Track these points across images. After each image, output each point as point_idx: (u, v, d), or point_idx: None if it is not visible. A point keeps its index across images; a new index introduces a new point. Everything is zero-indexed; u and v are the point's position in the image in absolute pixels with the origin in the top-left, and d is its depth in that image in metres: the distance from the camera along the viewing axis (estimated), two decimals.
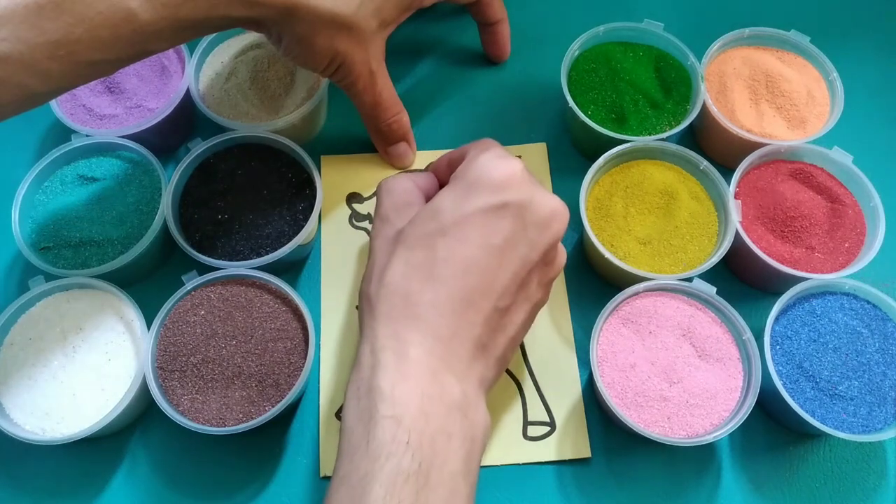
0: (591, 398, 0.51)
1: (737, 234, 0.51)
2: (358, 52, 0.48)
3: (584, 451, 0.49)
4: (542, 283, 0.42)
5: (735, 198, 0.52)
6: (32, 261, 0.50)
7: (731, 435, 0.49)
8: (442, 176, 0.46)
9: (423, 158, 0.59)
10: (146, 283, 0.54)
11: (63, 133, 0.56)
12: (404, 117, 0.55)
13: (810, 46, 0.58)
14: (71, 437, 0.45)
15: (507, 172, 0.40)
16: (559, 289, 0.54)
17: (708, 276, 0.50)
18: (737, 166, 0.53)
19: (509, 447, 0.49)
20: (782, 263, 0.50)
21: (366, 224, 0.57)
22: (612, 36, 0.60)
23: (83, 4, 0.38)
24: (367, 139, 0.57)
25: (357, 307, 0.53)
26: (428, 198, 0.45)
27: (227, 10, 0.42)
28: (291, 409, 0.50)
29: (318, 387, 0.51)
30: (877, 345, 0.48)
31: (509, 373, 0.51)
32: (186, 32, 0.42)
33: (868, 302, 0.50)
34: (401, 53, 0.64)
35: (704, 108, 0.56)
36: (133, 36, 0.40)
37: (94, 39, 0.39)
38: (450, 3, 0.57)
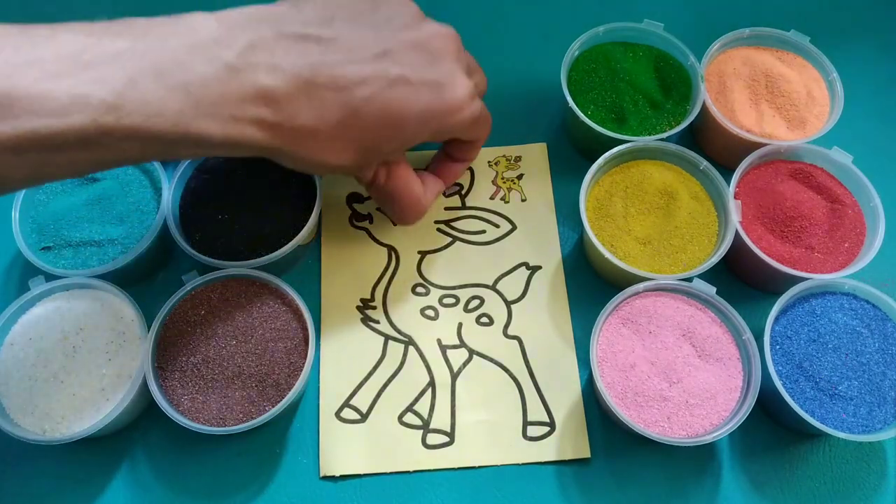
0: (591, 398, 0.51)
1: (737, 234, 0.51)
2: (365, 174, 0.46)
3: (584, 452, 0.49)
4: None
5: (735, 198, 0.53)
6: (32, 261, 0.50)
7: (731, 435, 0.49)
8: None
9: (424, 158, 0.59)
10: (146, 283, 0.54)
11: None
12: (426, 202, 0.51)
13: (810, 46, 0.58)
14: (71, 437, 0.45)
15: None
16: (559, 289, 0.54)
17: (708, 276, 0.50)
18: (737, 166, 0.53)
19: (509, 447, 0.49)
20: (782, 263, 0.50)
21: (366, 224, 0.57)
22: (612, 36, 0.60)
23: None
24: None
25: (357, 307, 0.54)
26: None
27: (192, 151, 0.39)
28: (291, 409, 0.50)
29: (318, 387, 0.51)
30: (877, 345, 0.48)
31: (509, 373, 0.52)
32: (152, 157, 0.39)
33: (868, 302, 0.50)
34: None
35: (704, 108, 0.56)
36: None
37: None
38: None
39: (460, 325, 0.53)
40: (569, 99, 0.56)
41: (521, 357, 0.52)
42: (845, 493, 0.48)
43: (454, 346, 0.52)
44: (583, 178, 0.53)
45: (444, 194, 0.58)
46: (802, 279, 0.50)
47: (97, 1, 0.67)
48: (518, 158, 0.60)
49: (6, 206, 0.52)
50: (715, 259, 0.50)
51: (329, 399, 0.51)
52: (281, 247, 0.51)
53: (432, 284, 0.54)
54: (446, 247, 0.56)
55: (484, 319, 0.53)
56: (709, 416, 0.46)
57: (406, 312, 0.53)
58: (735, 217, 0.51)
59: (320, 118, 0.40)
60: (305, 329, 0.49)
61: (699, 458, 0.49)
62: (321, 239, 0.56)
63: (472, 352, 0.52)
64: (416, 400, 0.51)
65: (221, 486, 0.48)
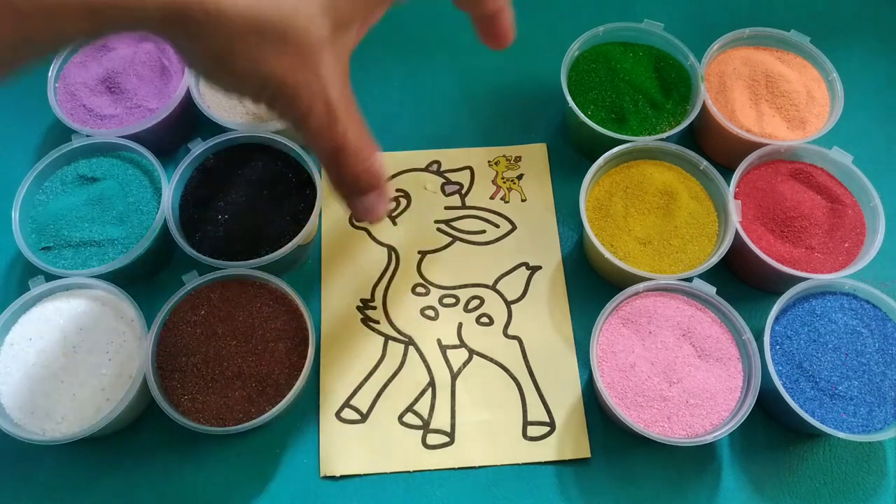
0: (591, 398, 0.51)
1: (737, 234, 0.51)
2: (302, 74, 0.32)
3: (584, 451, 0.49)
4: None
5: (735, 198, 0.52)
6: (32, 261, 0.50)
7: (731, 435, 0.49)
8: None
9: (424, 157, 0.59)
10: (146, 283, 0.54)
11: (63, 133, 0.56)
12: (377, 161, 0.37)
13: (810, 46, 0.58)
14: (71, 437, 0.45)
15: None
16: (559, 289, 0.54)
17: (708, 276, 0.50)
18: (737, 166, 0.53)
19: (509, 447, 0.49)
20: (782, 263, 0.50)
21: (366, 224, 0.57)
22: (612, 36, 0.60)
23: None
24: None
25: (357, 307, 0.54)
26: None
27: (76, 27, 0.29)
28: (291, 409, 0.50)
29: (318, 387, 0.51)
30: (877, 345, 0.48)
31: (509, 373, 0.51)
32: (27, 53, 0.30)
33: (868, 302, 0.50)
34: (399, 51, 0.64)
35: (704, 108, 0.56)
36: None
37: None
38: None
39: (460, 325, 0.53)
40: (569, 99, 0.56)
41: (521, 357, 0.52)
42: (845, 493, 0.48)
43: (454, 346, 0.52)
44: (583, 178, 0.53)
45: (444, 194, 0.58)
46: (802, 279, 0.50)
47: None
48: (518, 158, 0.59)
49: (6, 206, 0.52)
50: (715, 259, 0.50)
51: (329, 399, 0.51)
52: (281, 247, 0.51)
53: (432, 284, 0.54)
54: (446, 247, 0.56)
55: (484, 319, 0.53)
56: (709, 416, 0.46)
57: (406, 312, 0.53)
58: (735, 217, 0.51)
59: None
60: (305, 329, 0.49)
61: (699, 458, 0.49)
62: (321, 239, 0.56)
63: (472, 352, 0.52)
64: (416, 400, 0.51)
65: (221, 486, 0.48)
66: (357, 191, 0.38)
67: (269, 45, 0.31)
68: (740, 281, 0.55)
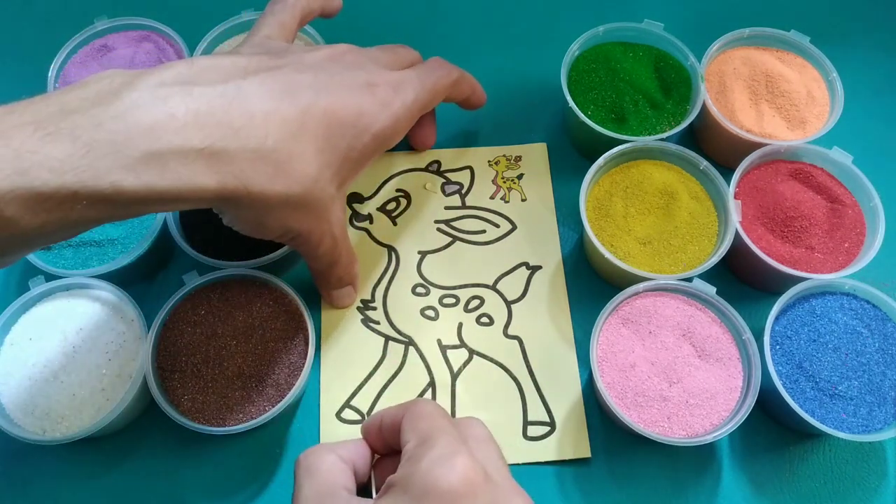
0: (591, 398, 0.51)
1: (737, 234, 0.51)
2: (316, 224, 0.43)
3: (584, 451, 0.49)
4: None
5: (735, 198, 0.53)
6: (32, 261, 0.50)
7: (731, 435, 0.49)
8: (373, 442, 0.38)
9: (423, 157, 0.59)
10: (146, 283, 0.54)
11: None
12: (356, 267, 0.51)
13: (810, 46, 0.58)
14: (71, 437, 0.45)
15: (464, 477, 0.31)
16: (559, 289, 0.54)
17: (708, 276, 0.50)
18: (737, 166, 0.53)
19: (509, 447, 0.49)
20: (782, 263, 0.50)
21: (366, 224, 0.57)
22: (612, 36, 0.60)
23: None
24: None
25: (357, 308, 0.54)
26: (359, 473, 0.37)
27: (138, 208, 0.35)
28: (291, 409, 0.50)
29: (318, 387, 0.51)
30: (877, 345, 0.48)
31: (509, 373, 0.51)
32: (85, 227, 0.35)
33: (868, 302, 0.50)
34: None
35: (704, 108, 0.56)
36: (14, 238, 0.33)
37: None
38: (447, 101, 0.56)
39: (460, 325, 0.53)
40: (569, 99, 0.56)
41: (521, 357, 0.52)
42: (845, 493, 0.48)
43: (454, 347, 0.52)
44: (583, 178, 0.53)
45: (444, 193, 0.58)
46: (802, 279, 0.50)
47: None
48: (518, 158, 0.60)
49: None
50: (715, 259, 0.50)
51: (329, 399, 0.51)
52: (281, 247, 0.51)
53: (432, 284, 0.54)
54: (446, 247, 0.56)
55: (484, 319, 0.53)
56: (709, 416, 0.46)
57: (406, 313, 0.53)
58: (735, 217, 0.51)
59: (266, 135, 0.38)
60: (305, 329, 0.49)
61: (699, 458, 0.49)
62: None
63: (472, 352, 0.52)
64: None
65: (221, 486, 0.48)
66: (339, 286, 0.51)
67: (294, 209, 0.41)
68: (740, 281, 0.55)
